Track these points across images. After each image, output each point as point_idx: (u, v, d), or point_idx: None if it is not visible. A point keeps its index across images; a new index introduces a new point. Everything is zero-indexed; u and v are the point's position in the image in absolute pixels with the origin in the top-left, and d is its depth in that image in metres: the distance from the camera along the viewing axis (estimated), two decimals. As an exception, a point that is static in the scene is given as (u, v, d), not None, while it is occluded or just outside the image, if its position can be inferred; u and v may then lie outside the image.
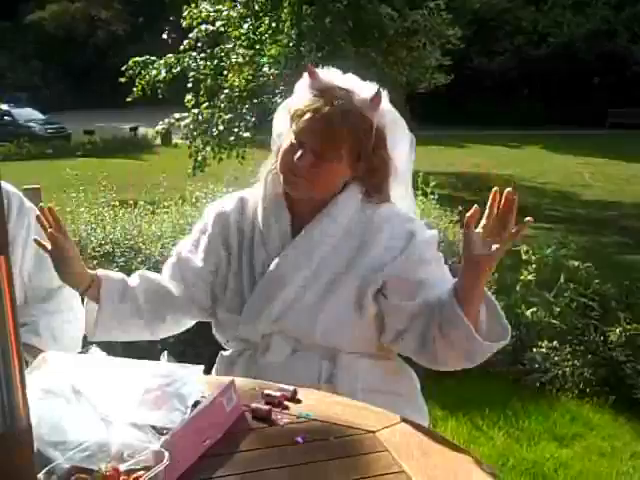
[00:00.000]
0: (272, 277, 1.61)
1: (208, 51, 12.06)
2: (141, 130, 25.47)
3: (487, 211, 1.40)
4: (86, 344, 1.47)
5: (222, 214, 1.72)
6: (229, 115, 11.61)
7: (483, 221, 1.40)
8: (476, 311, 1.45)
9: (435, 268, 1.60)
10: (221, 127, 11.58)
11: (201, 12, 11.87)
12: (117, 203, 4.73)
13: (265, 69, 11.89)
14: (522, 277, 4.40)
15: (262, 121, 10.46)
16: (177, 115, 12.11)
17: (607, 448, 3.31)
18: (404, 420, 1.35)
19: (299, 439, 1.25)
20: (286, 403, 1.38)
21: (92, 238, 4.12)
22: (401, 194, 1.71)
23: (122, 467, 1.04)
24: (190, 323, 1.82)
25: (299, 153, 1.56)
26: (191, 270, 1.72)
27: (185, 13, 12.01)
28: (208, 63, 11.92)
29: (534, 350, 4.00)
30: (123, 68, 12.06)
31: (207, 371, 1.49)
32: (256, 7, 12.06)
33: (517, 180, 14.94)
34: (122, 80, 12.00)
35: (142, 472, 1.03)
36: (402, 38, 13.67)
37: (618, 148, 19.31)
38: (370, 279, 1.58)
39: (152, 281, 1.75)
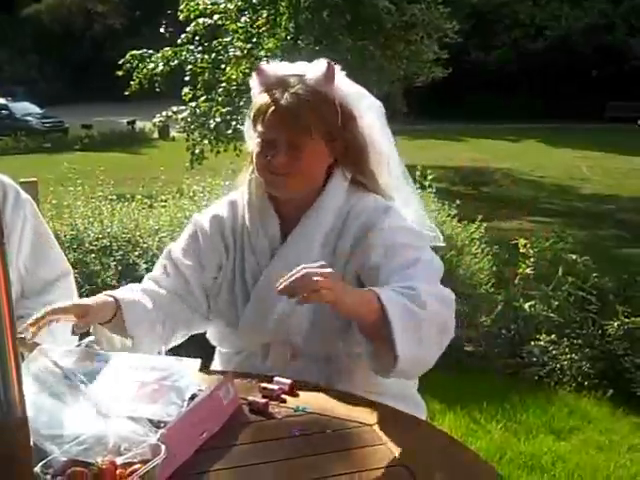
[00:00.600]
0: (264, 292, 1.57)
1: (206, 44, 12.03)
2: (139, 124, 25.46)
3: None
4: (82, 337, 1.46)
5: (217, 217, 1.68)
6: (227, 108, 11.57)
7: None
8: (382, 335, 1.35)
9: (398, 257, 1.50)
10: (219, 120, 11.56)
11: (198, 5, 11.85)
12: (115, 197, 4.73)
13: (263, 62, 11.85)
14: (520, 271, 4.40)
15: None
16: (175, 108, 12.11)
17: (605, 441, 3.31)
18: (402, 413, 1.35)
19: (295, 431, 1.25)
20: (283, 396, 1.39)
21: (90, 232, 4.13)
22: (395, 185, 1.67)
23: (119, 460, 1.04)
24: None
25: (273, 152, 1.54)
26: (193, 279, 1.66)
27: (182, 6, 12.00)
28: (206, 56, 11.91)
29: (532, 343, 4.00)
30: (120, 62, 12.05)
31: (204, 365, 1.48)
32: (254, 0, 12.04)
33: (515, 174, 14.98)
34: (119, 74, 11.99)
35: (139, 465, 1.03)
36: (400, 32, 13.67)
37: (616, 142, 19.27)
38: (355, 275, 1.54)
39: (162, 296, 1.66)
